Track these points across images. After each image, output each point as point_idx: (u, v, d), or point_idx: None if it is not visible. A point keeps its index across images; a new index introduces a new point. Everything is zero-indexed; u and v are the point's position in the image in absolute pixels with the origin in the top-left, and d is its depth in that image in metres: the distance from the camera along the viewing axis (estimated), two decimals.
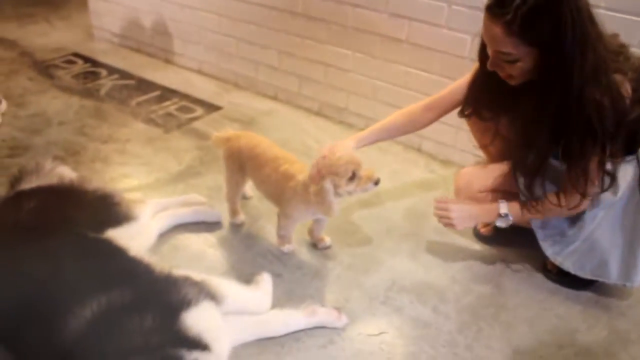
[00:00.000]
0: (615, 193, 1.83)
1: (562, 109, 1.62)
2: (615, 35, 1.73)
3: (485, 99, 1.92)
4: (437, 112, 2.07)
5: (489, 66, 1.72)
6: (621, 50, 1.71)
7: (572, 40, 1.52)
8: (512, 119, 1.88)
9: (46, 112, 3.02)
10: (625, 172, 1.83)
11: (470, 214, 1.97)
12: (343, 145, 1.90)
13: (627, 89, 1.63)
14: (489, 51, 1.69)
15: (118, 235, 1.75)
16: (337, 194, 1.86)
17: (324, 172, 1.82)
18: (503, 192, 2.03)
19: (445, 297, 1.97)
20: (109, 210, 1.88)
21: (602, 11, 2.09)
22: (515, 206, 1.91)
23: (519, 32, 1.54)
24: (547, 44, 1.55)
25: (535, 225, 1.91)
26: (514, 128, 1.86)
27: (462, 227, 1.98)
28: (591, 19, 1.56)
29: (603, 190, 1.75)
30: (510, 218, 1.92)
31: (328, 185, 1.82)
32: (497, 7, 1.56)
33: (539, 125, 1.69)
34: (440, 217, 1.98)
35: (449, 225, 1.97)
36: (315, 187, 1.84)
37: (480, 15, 1.67)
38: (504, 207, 1.92)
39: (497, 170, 2.05)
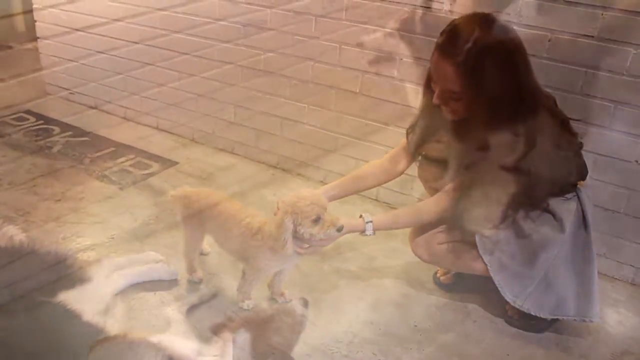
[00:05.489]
0: (562, 231, 1.88)
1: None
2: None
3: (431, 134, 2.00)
4: (405, 162, 2.12)
5: (435, 100, 1.77)
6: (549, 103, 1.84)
7: (510, 83, 1.63)
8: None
9: None
10: (569, 209, 1.89)
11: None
12: (311, 191, 1.87)
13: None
14: (435, 86, 1.76)
15: (71, 298, 1.69)
16: (297, 237, 1.82)
17: (287, 209, 1.80)
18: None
19: (409, 347, 1.95)
20: (60, 272, 1.82)
21: (544, 61, 2.19)
22: (381, 220, 1.96)
23: (468, 72, 1.62)
24: (490, 85, 1.63)
25: (492, 269, 1.92)
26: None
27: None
28: (528, 66, 1.68)
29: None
30: (373, 233, 1.94)
31: (288, 221, 1.79)
32: (448, 46, 1.64)
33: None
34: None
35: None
36: (275, 222, 1.81)
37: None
38: (370, 228, 1.92)
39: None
